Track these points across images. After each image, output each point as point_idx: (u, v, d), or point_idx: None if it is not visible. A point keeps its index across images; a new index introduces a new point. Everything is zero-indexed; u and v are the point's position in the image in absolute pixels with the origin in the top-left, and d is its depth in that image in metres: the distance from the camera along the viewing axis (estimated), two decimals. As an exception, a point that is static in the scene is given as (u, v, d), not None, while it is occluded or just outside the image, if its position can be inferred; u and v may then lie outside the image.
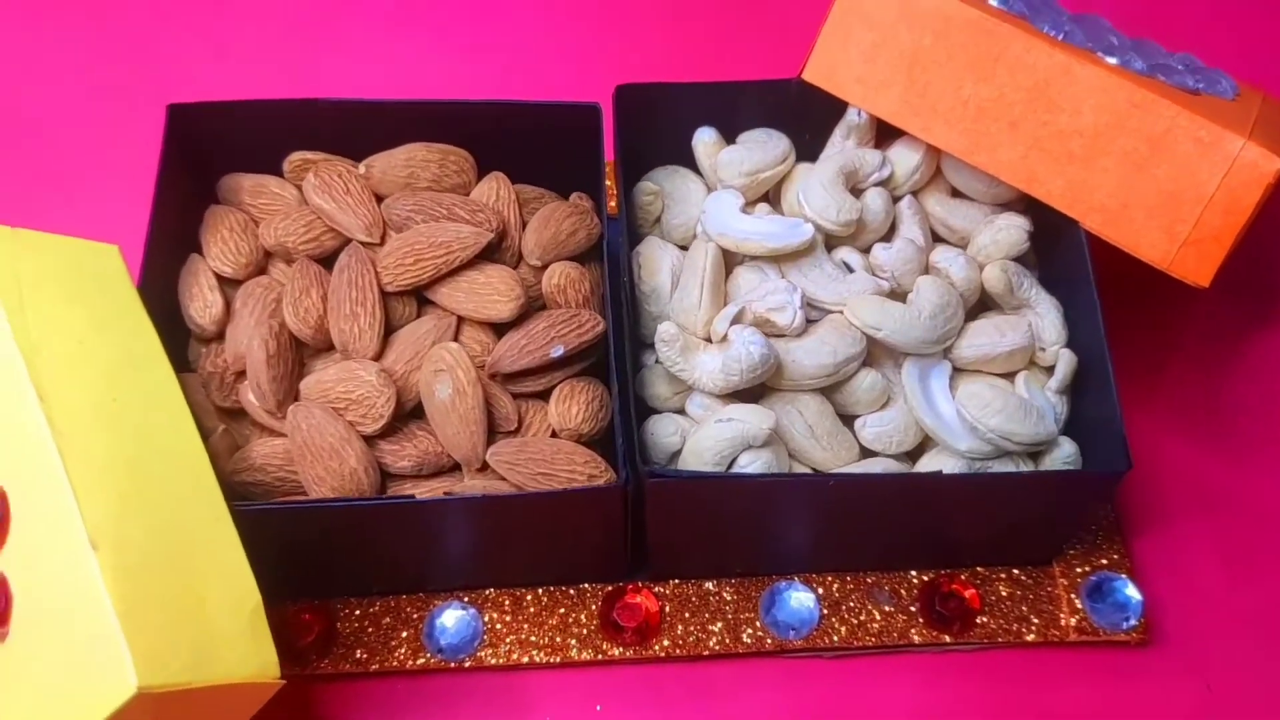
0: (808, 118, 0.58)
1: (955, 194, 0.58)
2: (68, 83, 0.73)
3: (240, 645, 0.42)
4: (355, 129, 0.56)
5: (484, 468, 0.50)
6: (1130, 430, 0.49)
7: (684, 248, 0.57)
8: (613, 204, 0.63)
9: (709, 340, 0.52)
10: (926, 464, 0.52)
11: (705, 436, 0.50)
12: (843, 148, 0.57)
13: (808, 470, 0.52)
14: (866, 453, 0.53)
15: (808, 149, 0.59)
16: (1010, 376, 0.54)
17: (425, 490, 0.50)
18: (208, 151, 0.57)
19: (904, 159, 0.56)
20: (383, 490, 0.50)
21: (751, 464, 0.49)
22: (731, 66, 0.69)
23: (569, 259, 0.55)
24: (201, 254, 0.55)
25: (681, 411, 0.53)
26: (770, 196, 0.58)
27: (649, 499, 0.48)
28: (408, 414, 0.52)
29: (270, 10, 0.76)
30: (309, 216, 0.55)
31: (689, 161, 0.59)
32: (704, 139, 0.58)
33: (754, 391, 0.52)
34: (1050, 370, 0.54)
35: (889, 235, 0.56)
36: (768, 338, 0.50)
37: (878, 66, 0.54)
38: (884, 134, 0.57)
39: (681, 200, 0.58)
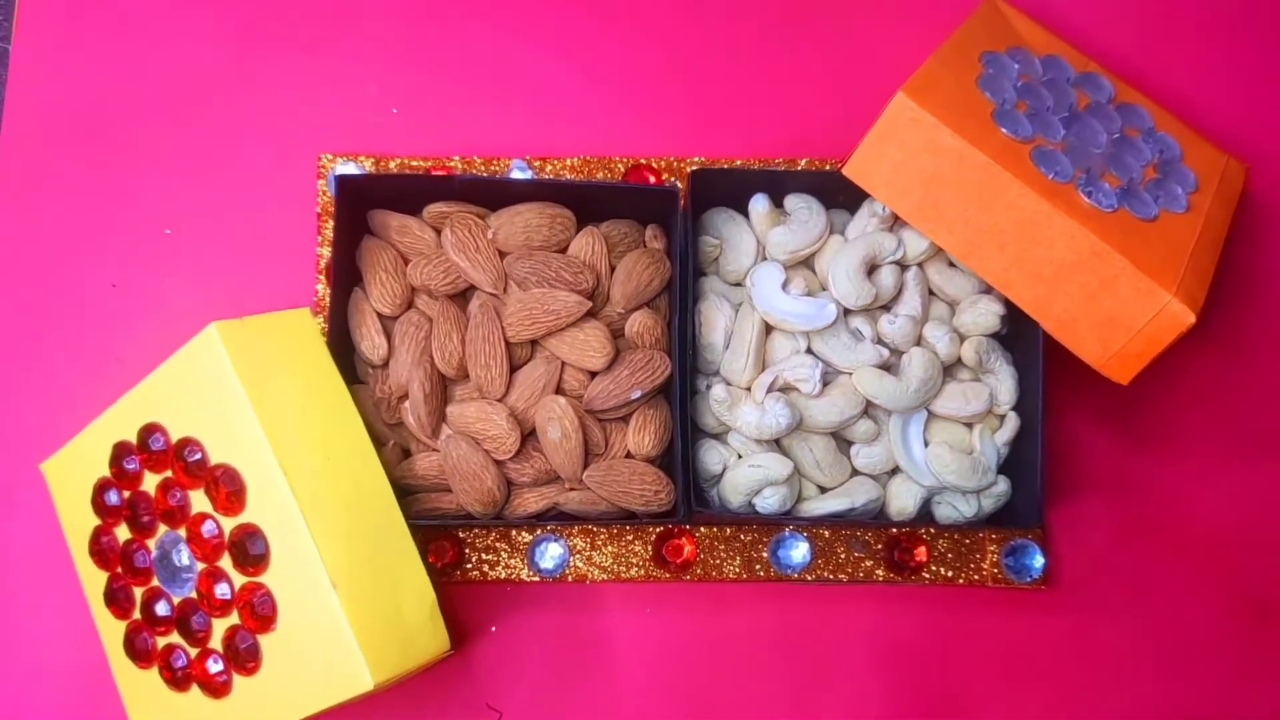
0: (843, 192, 0.72)
1: (952, 264, 0.73)
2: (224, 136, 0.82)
3: (425, 634, 0.64)
4: (482, 191, 0.71)
5: (580, 483, 0.70)
6: (1059, 424, 0.74)
7: (735, 284, 0.74)
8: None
9: (748, 390, 0.70)
10: (897, 483, 0.72)
11: (740, 475, 0.69)
12: (866, 225, 0.72)
13: (814, 487, 0.72)
14: (856, 472, 0.72)
15: (842, 206, 0.73)
16: (971, 425, 0.72)
17: (537, 495, 0.70)
18: (363, 197, 0.71)
19: (915, 242, 0.71)
20: (509, 495, 0.70)
21: (773, 495, 0.69)
22: (787, 137, 0.81)
23: (647, 303, 0.72)
24: (363, 287, 0.72)
25: (723, 436, 0.72)
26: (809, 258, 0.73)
27: (695, 521, 0.69)
28: (525, 435, 0.70)
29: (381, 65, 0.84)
30: (446, 263, 0.71)
31: (745, 208, 0.74)
32: (758, 208, 0.72)
33: (779, 431, 0.70)
34: (1003, 419, 0.72)
35: (897, 298, 0.72)
36: (792, 400, 0.68)
37: (902, 178, 0.68)
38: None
39: (735, 249, 0.73)
